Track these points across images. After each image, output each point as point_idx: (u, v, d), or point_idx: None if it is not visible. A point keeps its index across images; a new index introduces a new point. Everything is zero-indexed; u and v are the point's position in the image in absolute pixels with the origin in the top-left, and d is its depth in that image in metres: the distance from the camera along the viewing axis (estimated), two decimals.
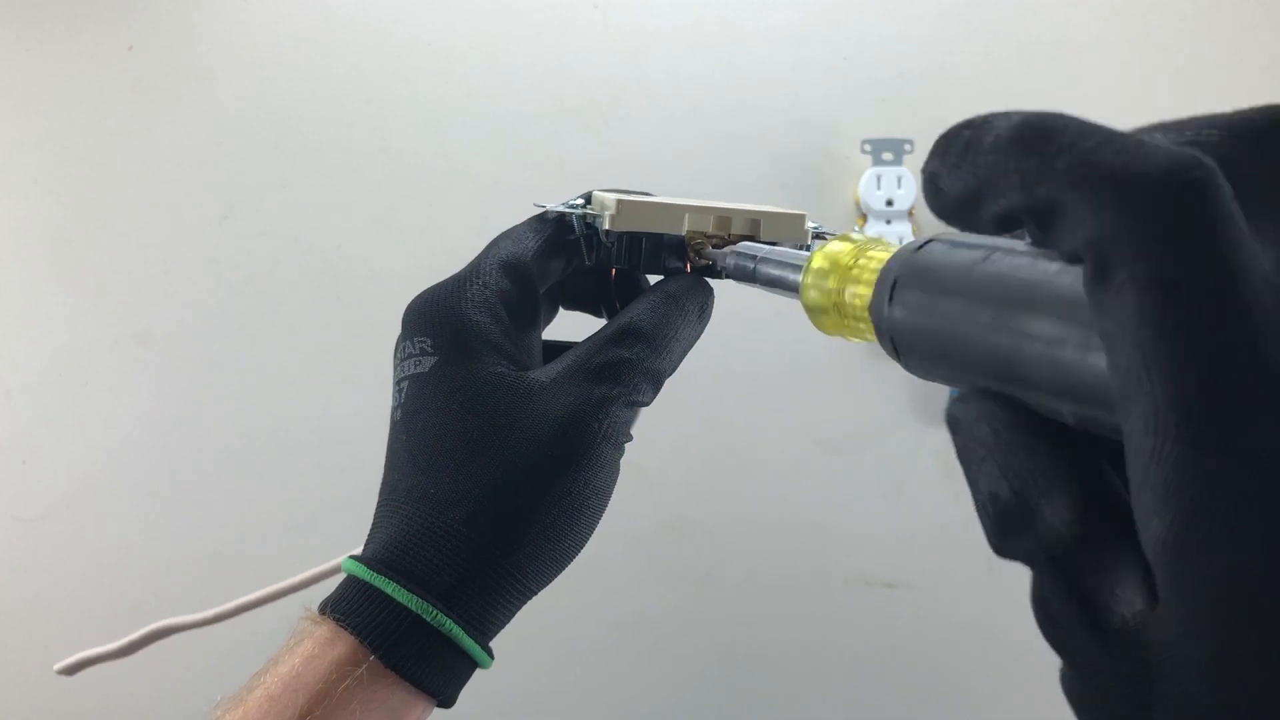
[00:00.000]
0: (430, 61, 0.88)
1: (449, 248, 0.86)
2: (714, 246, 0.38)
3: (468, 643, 0.34)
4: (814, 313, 0.28)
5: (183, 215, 0.88)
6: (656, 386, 0.38)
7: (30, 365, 0.86)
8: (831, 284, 0.27)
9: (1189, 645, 0.16)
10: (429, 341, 0.37)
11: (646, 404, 0.38)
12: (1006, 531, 0.20)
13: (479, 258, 0.39)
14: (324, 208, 0.87)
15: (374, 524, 0.36)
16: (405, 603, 0.34)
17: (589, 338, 0.38)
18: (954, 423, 0.22)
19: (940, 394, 0.83)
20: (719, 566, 0.83)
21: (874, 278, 0.24)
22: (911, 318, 0.22)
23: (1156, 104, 0.85)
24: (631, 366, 0.37)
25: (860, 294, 0.25)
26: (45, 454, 0.86)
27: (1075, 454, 0.20)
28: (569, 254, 0.40)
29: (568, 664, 0.82)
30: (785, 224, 0.38)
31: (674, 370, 0.38)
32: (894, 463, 0.83)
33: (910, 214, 0.83)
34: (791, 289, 0.31)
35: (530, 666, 0.81)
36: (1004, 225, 0.19)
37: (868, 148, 0.85)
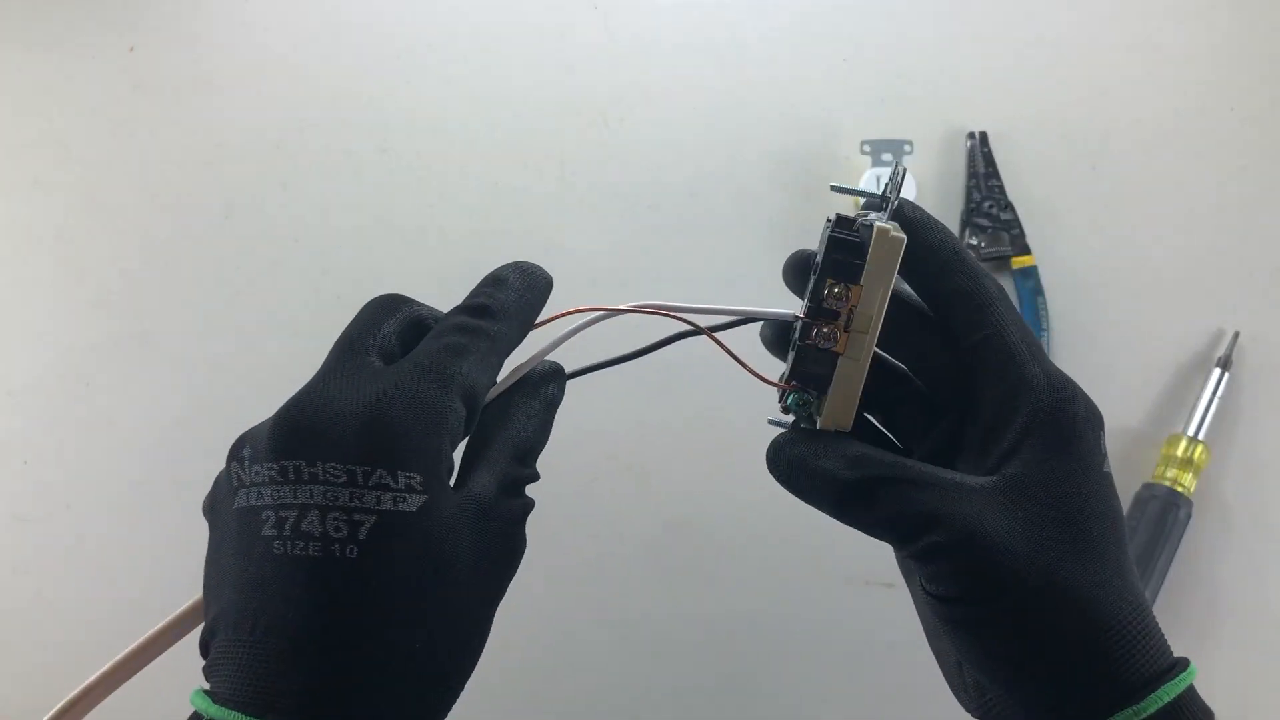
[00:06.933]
0: (430, 62, 0.89)
1: (449, 248, 0.86)
2: None
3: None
4: None
5: (183, 215, 0.88)
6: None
7: (31, 365, 0.86)
8: None
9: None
10: (418, 479, 0.32)
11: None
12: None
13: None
14: (324, 208, 0.87)
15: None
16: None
17: None
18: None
19: None
20: (719, 566, 0.83)
21: None
22: None
23: (1155, 105, 0.85)
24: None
25: None
26: (46, 454, 0.86)
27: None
28: None
29: (568, 664, 0.82)
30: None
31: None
32: None
33: None
34: None
35: (531, 667, 0.81)
36: None
37: (867, 148, 0.85)
